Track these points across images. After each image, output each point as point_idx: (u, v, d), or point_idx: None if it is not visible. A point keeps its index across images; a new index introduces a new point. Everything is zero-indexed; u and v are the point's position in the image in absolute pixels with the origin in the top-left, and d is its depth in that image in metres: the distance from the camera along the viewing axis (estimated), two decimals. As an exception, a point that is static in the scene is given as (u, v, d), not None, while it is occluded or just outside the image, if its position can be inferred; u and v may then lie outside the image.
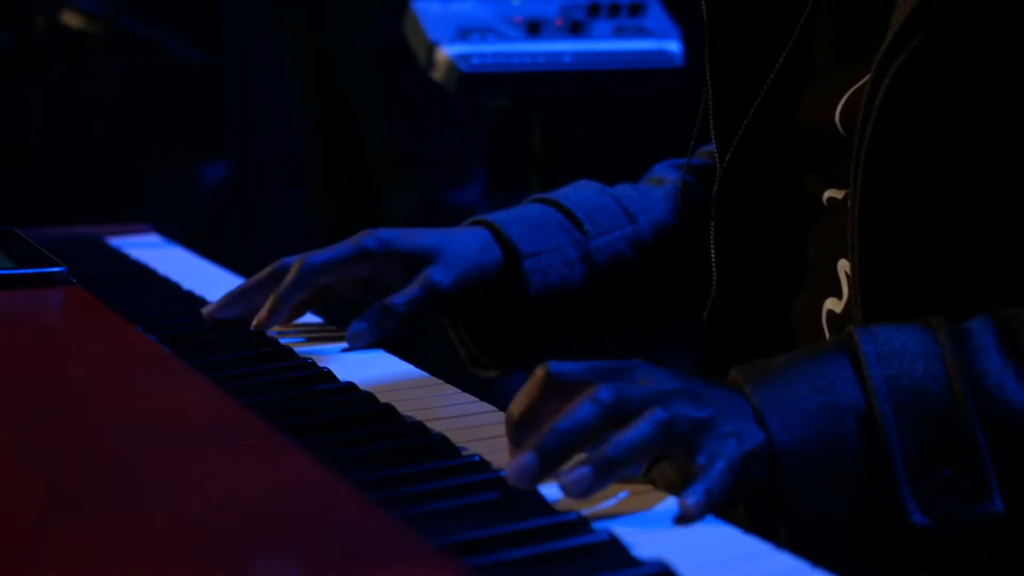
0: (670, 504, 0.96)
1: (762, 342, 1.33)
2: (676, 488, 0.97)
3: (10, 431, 0.87)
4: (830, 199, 1.23)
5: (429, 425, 1.08)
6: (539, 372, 0.99)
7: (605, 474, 0.93)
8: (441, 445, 1.04)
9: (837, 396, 1.00)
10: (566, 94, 2.52)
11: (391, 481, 0.95)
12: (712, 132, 1.33)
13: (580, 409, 0.95)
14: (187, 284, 1.59)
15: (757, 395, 1.00)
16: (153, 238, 1.97)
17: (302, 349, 1.34)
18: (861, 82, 1.19)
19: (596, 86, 2.48)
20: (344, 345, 1.36)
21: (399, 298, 1.37)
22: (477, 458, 1.00)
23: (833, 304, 1.24)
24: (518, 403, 1.00)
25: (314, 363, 1.26)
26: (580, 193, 1.50)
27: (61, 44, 2.98)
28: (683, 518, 0.92)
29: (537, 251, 1.43)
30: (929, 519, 0.99)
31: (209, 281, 1.62)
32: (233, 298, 1.40)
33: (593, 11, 2.52)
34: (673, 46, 2.51)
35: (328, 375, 1.23)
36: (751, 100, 1.29)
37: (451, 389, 1.23)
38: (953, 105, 1.10)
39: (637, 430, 0.95)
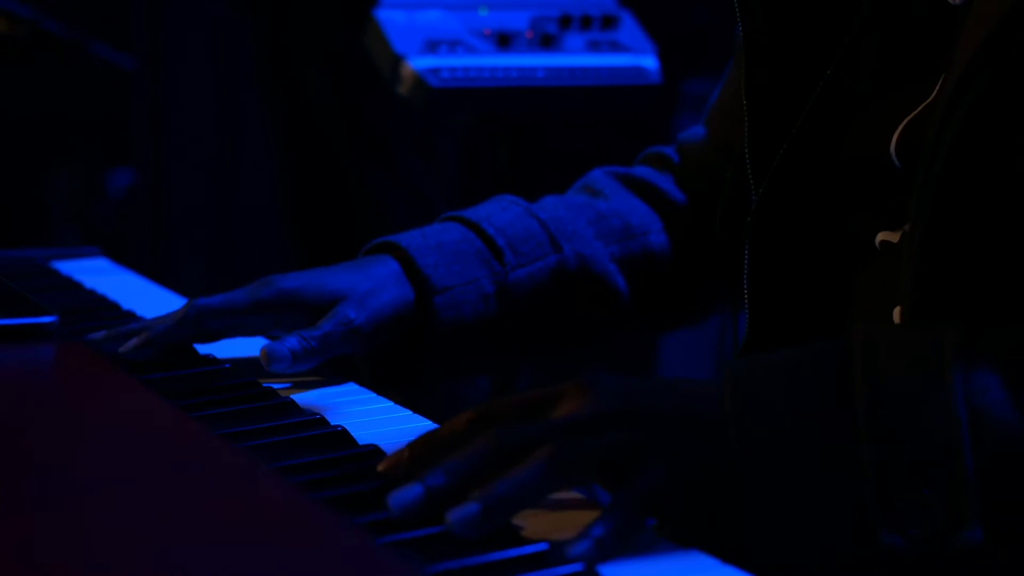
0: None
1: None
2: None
3: (50, 520, 0.75)
4: (883, 243, 1.14)
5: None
6: (464, 415, 0.97)
7: (495, 512, 0.89)
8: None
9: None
10: (538, 110, 2.42)
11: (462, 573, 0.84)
12: (747, 158, 1.23)
13: (472, 448, 0.93)
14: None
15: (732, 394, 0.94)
16: (102, 262, 1.84)
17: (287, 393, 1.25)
18: (919, 109, 1.11)
19: (569, 102, 2.38)
20: (339, 390, 1.28)
21: (315, 331, 1.29)
22: (546, 546, 0.89)
23: None
24: (427, 436, 0.97)
25: (324, 419, 1.15)
26: (504, 216, 1.42)
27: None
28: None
29: (450, 285, 1.36)
30: (901, 539, 0.91)
31: (174, 314, 1.50)
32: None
33: (564, 23, 2.42)
34: (649, 62, 2.41)
35: (344, 435, 1.11)
36: (791, 125, 1.20)
37: None
38: None
39: (528, 469, 0.91)
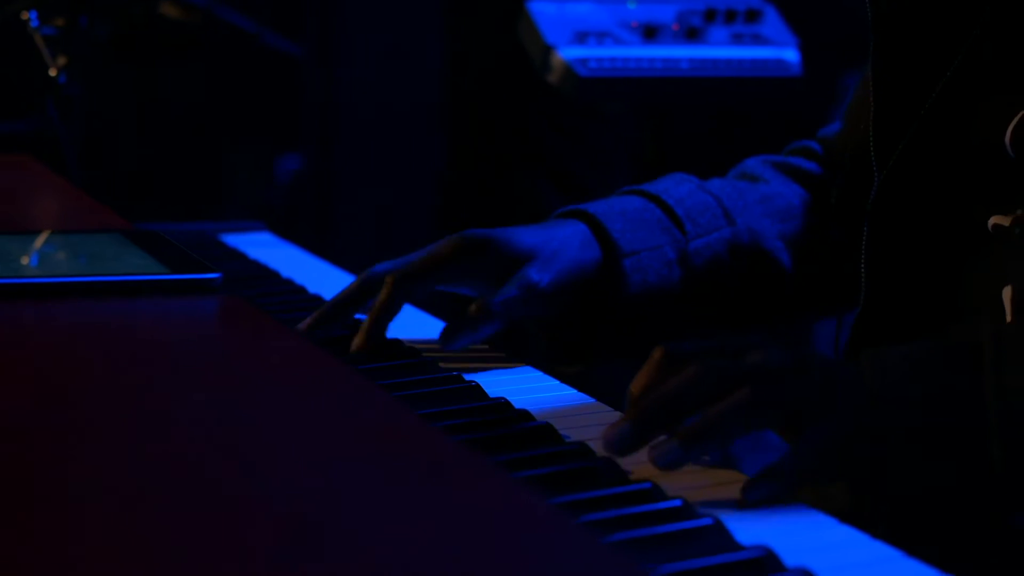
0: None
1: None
2: None
3: (216, 460, 0.86)
4: (996, 226, 1.19)
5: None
6: (655, 353, 1.04)
7: (688, 446, 0.98)
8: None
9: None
10: (682, 100, 2.50)
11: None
12: (871, 141, 1.28)
13: (676, 384, 1.00)
14: (312, 287, 1.57)
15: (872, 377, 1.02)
16: (266, 236, 1.95)
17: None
18: None
19: (712, 93, 2.46)
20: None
21: (497, 297, 1.31)
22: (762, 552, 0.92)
23: None
24: (637, 381, 1.04)
25: (460, 376, 1.24)
26: (679, 189, 1.46)
27: (159, 35, 2.97)
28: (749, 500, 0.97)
29: (637, 249, 1.40)
30: None
31: (330, 283, 1.60)
32: (324, 315, 1.35)
33: (709, 17, 2.49)
34: (791, 54, 2.48)
35: (477, 389, 1.21)
36: (917, 110, 1.24)
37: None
38: None
39: (723, 408, 0.99)
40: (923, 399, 1.01)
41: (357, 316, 1.38)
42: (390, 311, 1.32)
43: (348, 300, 1.36)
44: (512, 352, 1.35)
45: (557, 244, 1.37)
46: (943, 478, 1.01)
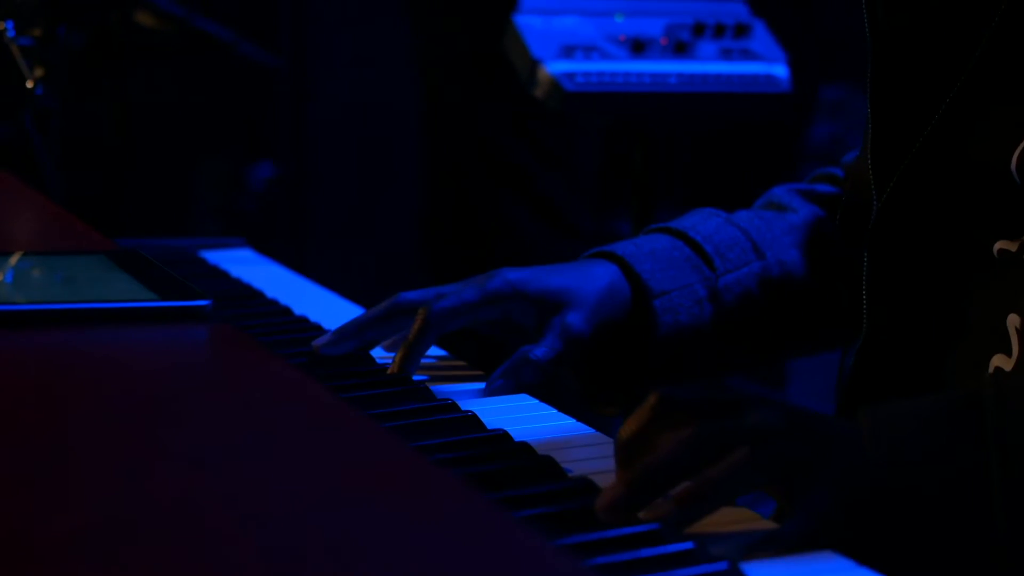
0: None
1: (912, 392, 1.27)
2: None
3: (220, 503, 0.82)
4: (1001, 251, 1.17)
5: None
6: (651, 398, 1.00)
7: (690, 509, 0.95)
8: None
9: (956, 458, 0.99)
10: (670, 116, 2.47)
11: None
12: (870, 165, 1.26)
13: (672, 448, 0.96)
14: (297, 308, 1.54)
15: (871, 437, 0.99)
16: (247, 253, 1.92)
17: (438, 388, 1.29)
18: None
19: (701, 108, 2.43)
20: (479, 386, 1.32)
21: (540, 350, 1.32)
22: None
23: (1002, 361, 1.17)
24: (628, 426, 1.00)
25: (455, 405, 1.21)
26: (707, 224, 1.45)
27: (135, 43, 2.95)
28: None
29: (667, 290, 1.39)
30: None
31: (315, 304, 1.57)
32: (345, 334, 1.35)
33: (698, 31, 2.47)
34: (780, 70, 2.45)
35: (474, 419, 1.17)
36: (916, 134, 1.22)
37: None
38: None
39: (724, 470, 0.95)
40: (925, 457, 0.99)
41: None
42: (422, 346, 1.33)
43: (373, 322, 1.36)
44: (544, 395, 1.33)
45: (590, 286, 1.37)
46: (947, 537, 0.98)
